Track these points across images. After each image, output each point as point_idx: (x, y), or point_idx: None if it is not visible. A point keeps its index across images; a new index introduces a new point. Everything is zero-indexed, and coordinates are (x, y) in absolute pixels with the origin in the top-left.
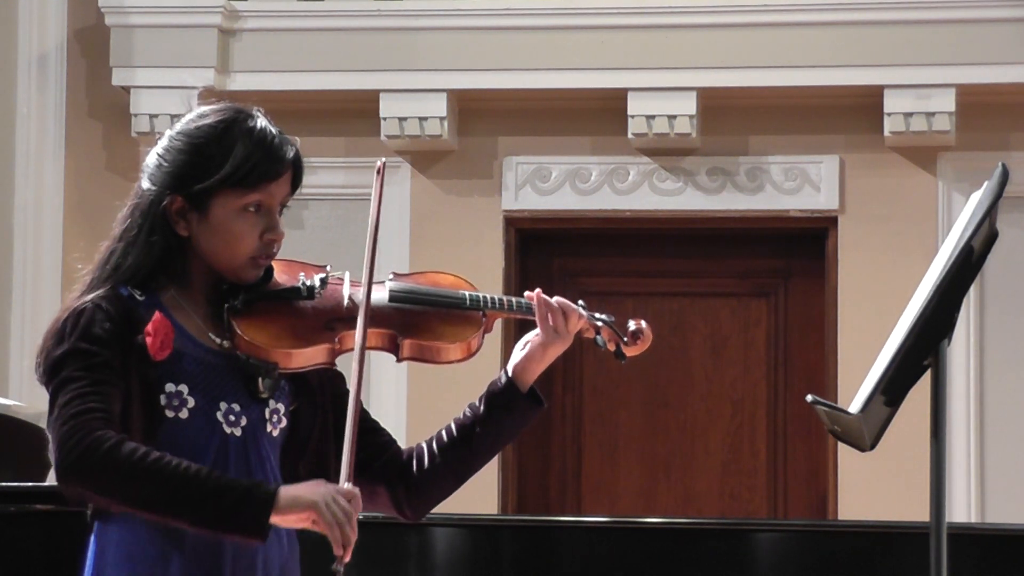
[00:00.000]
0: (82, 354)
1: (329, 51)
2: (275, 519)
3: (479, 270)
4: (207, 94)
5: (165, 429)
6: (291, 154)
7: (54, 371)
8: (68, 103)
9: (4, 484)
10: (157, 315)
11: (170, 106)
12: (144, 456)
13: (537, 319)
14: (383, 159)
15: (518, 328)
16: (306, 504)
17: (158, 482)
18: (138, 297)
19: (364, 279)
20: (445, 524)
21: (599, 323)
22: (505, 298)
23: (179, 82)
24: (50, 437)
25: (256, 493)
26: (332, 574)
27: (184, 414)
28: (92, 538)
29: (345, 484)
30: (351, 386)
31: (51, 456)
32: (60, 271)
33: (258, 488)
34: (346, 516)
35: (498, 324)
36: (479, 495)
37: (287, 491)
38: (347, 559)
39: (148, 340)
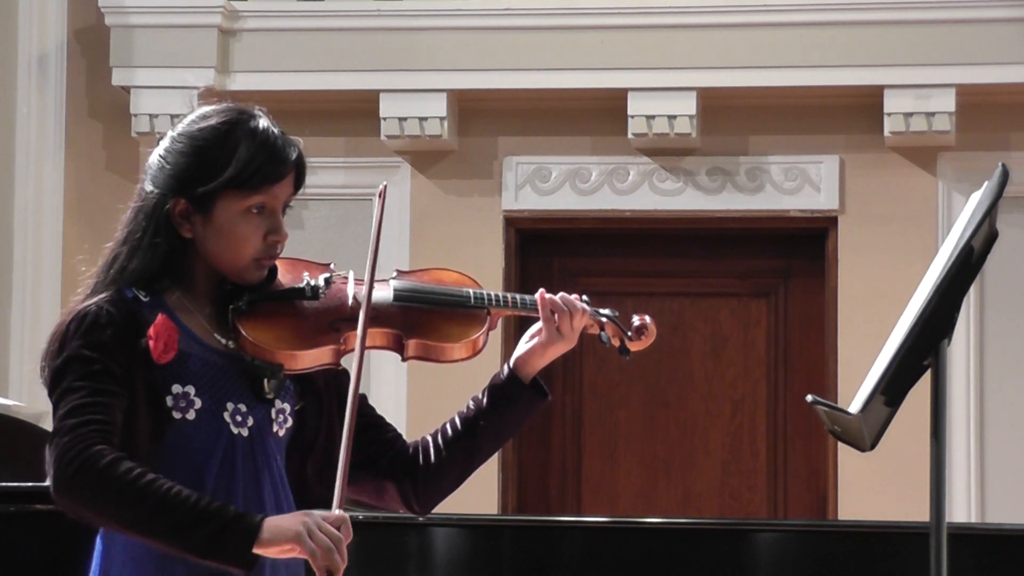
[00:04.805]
0: (83, 361)
1: (329, 51)
2: (258, 550)
3: (479, 270)
4: (208, 94)
5: (172, 430)
6: (294, 155)
7: (56, 379)
8: (68, 103)
9: (4, 484)
10: (160, 318)
11: (170, 106)
12: (138, 477)
13: (542, 320)
14: (385, 183)
15: (519, 325)
16: (290, 536)
17: (146, 504)
18: (143, 299)
19: (364, 300)
20: (445, 524)
21: (603, 319)
22: (509, 295)
23: (179, 82)
24: (47, 450)
25: (241, 524)
26: None
27: (191, 415)
28: (98, 537)
29: (335, 511)
30: (349, 398)
31: (48, 469)
32: (60, 271)
33: (243, 519)
34: (333, 543)
35: (499, 321)
36: (479, 495)
37: (271, 523)
38: None
39: (151, 344)
